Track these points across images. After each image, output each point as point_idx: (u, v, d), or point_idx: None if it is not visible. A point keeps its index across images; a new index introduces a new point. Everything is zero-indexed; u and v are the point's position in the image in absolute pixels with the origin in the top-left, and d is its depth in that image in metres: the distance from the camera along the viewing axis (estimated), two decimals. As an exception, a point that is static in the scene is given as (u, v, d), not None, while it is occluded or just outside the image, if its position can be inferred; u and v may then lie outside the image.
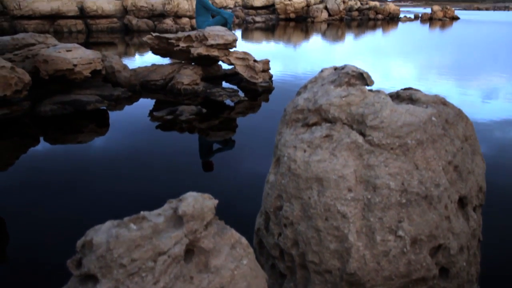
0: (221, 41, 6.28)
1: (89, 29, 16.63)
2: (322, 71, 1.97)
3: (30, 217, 2.73)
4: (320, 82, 1.84)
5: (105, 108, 5.45)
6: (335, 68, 1.92)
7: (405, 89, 2.42)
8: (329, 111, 1.60)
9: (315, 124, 1.62)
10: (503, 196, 3.10)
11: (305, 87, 1.97)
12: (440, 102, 1.84)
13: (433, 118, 1.62)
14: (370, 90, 1.82)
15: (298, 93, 1.99)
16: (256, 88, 6.51)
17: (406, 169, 1.43)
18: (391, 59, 11.19)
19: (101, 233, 0.97)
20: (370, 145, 1.47)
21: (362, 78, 1.74)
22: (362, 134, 1.51)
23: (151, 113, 5.30)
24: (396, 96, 1.97)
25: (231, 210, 2.72)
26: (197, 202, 1.12)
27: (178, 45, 6.46)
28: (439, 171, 1.47)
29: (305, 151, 1.53)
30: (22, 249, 2.42)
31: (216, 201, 1.19)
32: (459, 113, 1.86)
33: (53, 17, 15.75)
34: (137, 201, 2.92)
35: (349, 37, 17.45)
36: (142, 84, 6.56)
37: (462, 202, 1.58)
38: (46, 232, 2.57)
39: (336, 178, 1.42)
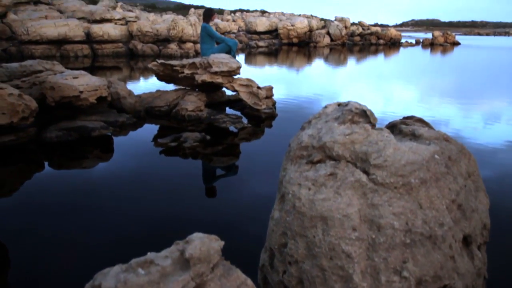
0: (225, 68, 6.37)
1: (95, 54, 16.90)
2: (325, 107, 2.00)
3: (33, 241, 2.74)
4: (324, 119, 1.87)
5: (110, 134, 5.50)
6: (339, 104, 1.95)
7: (407, 117, 2.45)
8: (333, 149, 1.62)
9: (319, 161, 1.65)
10: (509, 224, 3.09)
11: (309, 122, 2.00)
12: (443, 138, 1.87)
13: (436, 156, 1.64)
14: (373, 126, 1.85)
15: (302, 128, 2.02)
16: (260, 114, 6.57)
17: (410, 208, 1.44)
18: (394, 83, 11.28)
19: (110, 278, 0.99)
20: (374, 184, 1.49)
21: (365, 115, 1.77)
22: (366, 173, 1.53)
23: (155, 139, 5.35)
24: (399, 131, 2.00)
25: (234, 234, 2.72)
26: (203, 245, 1.13)
27: (183, 72, 6.56)
28: (443, 210, 1.48)
29: (309, 189, 1.54)
30: (25, 275, 2.41)
31: (222, 243, 1.20)
32: (461, 150, 1.88)
33: (60, 42, 16.04)
34: (141, 224, 2.93)
35: (351, 62, 17.65)
36: (147, 110, 6.63)
37: (466, 241, 1.59)
38: (49, 257, 2.57)
39: (340, 217, 1.44)
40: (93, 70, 12.56)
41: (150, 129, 5.88)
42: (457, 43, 32.96)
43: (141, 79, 11.12)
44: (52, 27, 15.74)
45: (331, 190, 1.51)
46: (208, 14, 8.25)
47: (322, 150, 1.66)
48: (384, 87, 10.64)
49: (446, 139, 1.86)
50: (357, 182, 1.51)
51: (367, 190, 1.49)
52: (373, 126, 1.82)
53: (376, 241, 1.40)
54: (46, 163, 4.47)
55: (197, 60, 6.56)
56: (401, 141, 1.81)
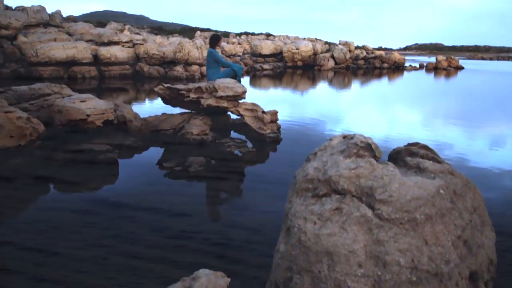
0: (230, 93, 6.45)
1: (102, 75, 17.14)
2: (331, 139, 2.02)
3: (32, 258, 2.73)
4: (330, 151, 1.90)
5: (115, 157, 5.54)
6: (344, 137, 1.98)
7: (412, 144, 2.46)
8: (338, 183, 1.64)
9: (325, 195, 1.66)
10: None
11: (314, 154, 2.02)
12: (448, 172, 1.88)
13: (441, 191, 1.65)
14: (378, 159, 1.86)
15: (308, 160, 2.04)
16: (264, 138, 6.60)
17: (415, 245, 1.45)
18: (398, 107, 11.33)
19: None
20: (379, 219, 1.50)
21: (371, 149, 1.79)
22: (371, 208, 1.54)
23: (160, 163, 5.37)
24: (404, 164, 2.01)
25: (239, 264, 2.70)
26: (210, 282, 1.14)
27: (189, 96, 6.63)
28: (449, 247, 1.48)
29: (315, 223, 1.55)
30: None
31: (228, 280, 1.21)
32: (467, 183, 1.88)
33: (68, 63, 16.30)
34: (143, 249, 2.92)
35: (355, 85, 17.78)
36: (153, 133, 6.68)
37: (473, 278, 1.58)
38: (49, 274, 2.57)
39: (346, 253, 1.44)
40: (100, 92, 12.72)
41: (155, 152, 5.91)
42: (461, 68, 33.17)
43: (147, 101, 11.24)
44: (60, 49, 16.02)
45: (336, 225, 1.52)
46: (215, 39, 8.39)
47: (328, 183, 1.67)
48: (388, 111, 10.68)
49: (451, 173, 1.87)
50: (362, 217, 1.51)
51: (373, 226, 1.49)
52: (378, 159, 1.83)
53: (382, 278, 1.40)
54: (51, 186, 4.50)
55: (203, 84, 6.65)
56: (406, 174, 1.82)
